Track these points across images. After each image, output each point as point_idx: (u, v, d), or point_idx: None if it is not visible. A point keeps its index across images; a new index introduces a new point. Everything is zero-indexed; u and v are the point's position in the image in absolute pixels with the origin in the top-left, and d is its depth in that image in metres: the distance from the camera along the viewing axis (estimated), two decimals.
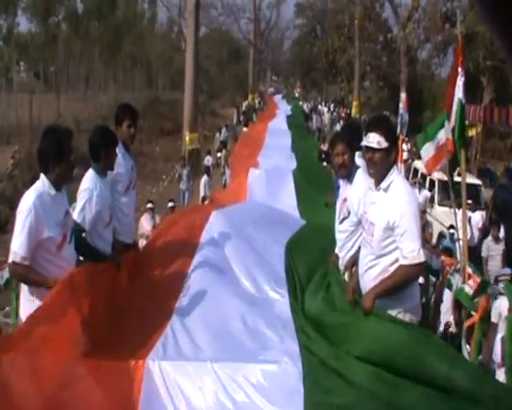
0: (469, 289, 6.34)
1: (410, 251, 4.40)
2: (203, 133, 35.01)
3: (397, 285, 4.51)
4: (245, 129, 27.81)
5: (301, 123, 27.00)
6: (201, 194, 19.99)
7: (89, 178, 5.56)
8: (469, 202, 9.58)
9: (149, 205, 14.61)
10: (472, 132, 22.37)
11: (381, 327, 4.41)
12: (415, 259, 4.40)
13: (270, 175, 11.36)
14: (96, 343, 4.53)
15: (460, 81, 6.26)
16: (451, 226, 11.73)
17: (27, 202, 4.61)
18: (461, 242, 7.37)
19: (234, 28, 71.17)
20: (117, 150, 5.82)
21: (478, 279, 6.39)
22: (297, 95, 62.08)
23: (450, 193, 7.90)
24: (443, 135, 6.12)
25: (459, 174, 7.61)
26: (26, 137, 30.53)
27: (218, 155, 27.16)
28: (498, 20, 1.05)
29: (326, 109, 48.24)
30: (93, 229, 5.48)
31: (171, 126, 43.38)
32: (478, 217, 14.28)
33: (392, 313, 4.51)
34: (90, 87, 57.23)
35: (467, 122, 8.43)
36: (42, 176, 4.79)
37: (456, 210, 10.26)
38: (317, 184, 10.88)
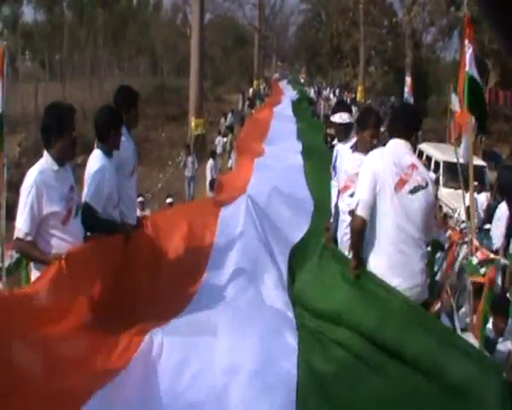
0: (477, 261, 6.48)
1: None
2: (208, 119, 35.05)
3: (352, 238, 4.92)
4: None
5: (306, 108, 26.98)
6: (208, 178, 20.12)
7: (98, 160, 5.49)
8: (475, 183, 9.65)
9: (140, 199, 14.71)
10: None
11: (374, 298, 4.58)
12: (356, 210, 4.76)
13: (277, 160, 11.50)
14: (99, 316, 4.58)
15: (467, 54, 6.33)
16: None
17: (29, 178, 4.66)
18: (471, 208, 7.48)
19: (238, 14, 70.95)
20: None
21: (485, 252, 6.55)
22: (302, 80, 61.91)
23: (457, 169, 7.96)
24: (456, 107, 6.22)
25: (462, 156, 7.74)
26: (33, 126, 30.67)
27: (224, 139, 27.21)
28: (498, 16, 1.06)
29: (332, 95, 48.15)
30: (104, 210, 5.44)
31: (176, 112, 43.41)
32: (483, 198, 14.29)
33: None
34: (95, 75, 57.26)
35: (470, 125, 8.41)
36: (45, 152, 4.83)
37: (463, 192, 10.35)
38: (325, 167, 10.97)
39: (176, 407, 3.87)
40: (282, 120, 18.97)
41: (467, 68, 6.19)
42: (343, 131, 7.03)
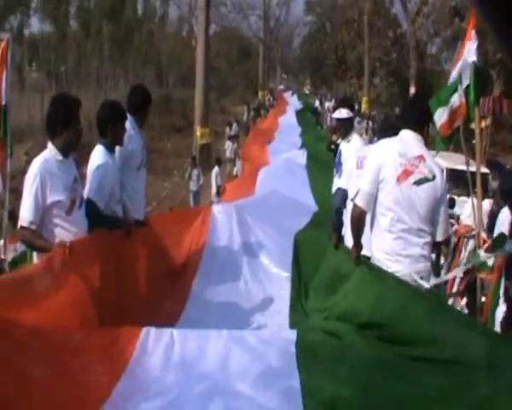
0: (484, 254, 6.56)
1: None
2: (214, 129, 35.21)
3: (351, 227, 4.98)
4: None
5: (310, 117, 27.15)
6: (213, 185, 20.27)
7: (100, 155, 5.53)
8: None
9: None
10: (483, 124, 22.47)
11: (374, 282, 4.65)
12: (355, 199, 4.89)
13: (281, 168, 11.60)
14: (99, 309, 4.52)
15: (473, 45, 6.42)
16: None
17: (34, 167, 4.67)
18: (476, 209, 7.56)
19: (244, 25, 71.35)
20: (127, 126, 5.83)
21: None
22: (307, 92, 62.14)
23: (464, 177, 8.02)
24: (456, 99, 6.25)
25: (468, 163, 7.86)
26: (39, 136, 30.79)
27: (225, 146, 27.42)
28: (497, 20, 1.06)
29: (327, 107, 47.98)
30: (106, 206, 5.44)
31: (182, 123, 43.69)
32: (486, 205, 14.33)
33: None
34: (100, 86, 57.46)
35: (477, 112, 8.55)
36: (49, 143, 4.84)
37: (466, 198, 10.41)
38: (329, 175, 11.06)
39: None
40: (287, 129, 19.13)
41: (474, 59, 6.26)
42: (343, 127, 7.12)
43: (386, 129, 6.00)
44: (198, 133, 29.41)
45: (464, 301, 8.24)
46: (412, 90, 20.52)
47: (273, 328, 5.51)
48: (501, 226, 9.18)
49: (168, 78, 74.97)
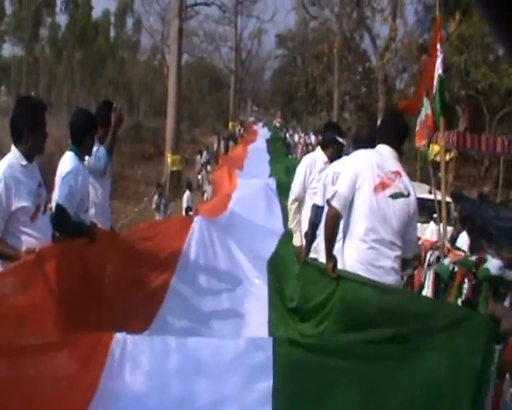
0: (449, 262, 6.84)
1: None
2: (184, 156, 35.42)
3: (325, 229, 5.03)
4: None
5: (280, 147, 27.42)
6: (184, 206, 20.35)
7: (71, 161, 5.37)
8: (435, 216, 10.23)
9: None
10: (447, 157, 23.05)
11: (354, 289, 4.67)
12: (331, 200, 4.96)
13: (252, 193, 11.77)
14: (66, 317, 4.41)
15: (439, 58, 6.65)
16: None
17: None
18: (441, 225, 7.85)
19: (215, 56, 71.86)
20: None
21: (457, 253, 6.94)
22: (278, 125, 62.58)
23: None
24: (422, 112, 6.39)
25: (430, 192, 8.24)
26: None
27: (199, 176, 27.58)
28: (496, 16, 1.06)
29: (312, 139, 48.12)
30: (75, 213, 5.29)
31: (152, 151, 43.70)
32: (448, 231, 14.85)
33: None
34: (71, 112, 57.26)
35: (443, 144, 8.87)
36: (12, 147, 4.66)
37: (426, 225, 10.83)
38: None
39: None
40: (256, 156, 19.33)
41: (440, 72, 6.44)
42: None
43: (357, 141, 6.16)
44: (169, 160, 29.59)
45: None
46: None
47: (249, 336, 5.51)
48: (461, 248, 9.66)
49: (139, 106, 75.07)
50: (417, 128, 6.47)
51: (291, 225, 6.79)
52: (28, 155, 4.69)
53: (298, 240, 6.57)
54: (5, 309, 3.87)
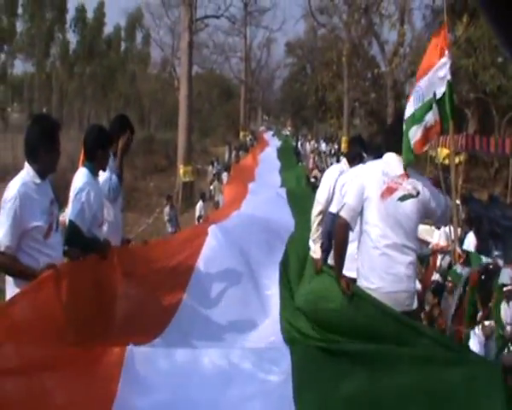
0: (461, 268, 6.92)
1: None
2: (196, 167, 35.62)
3: (335, 241, 5.17)
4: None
5: (291, 155, 27.59)
6: (197, 215, 20.63)
7: (84, 177, 5.40)
8: None
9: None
10: (457, 160, 23.04)
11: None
12: (340, 211, 5.06)
13: (261, 199, 11.89)
14: (81, 333, 4.43)
15: (447, 63, 6.67)
16: None
17: (12, 190, 4.49)
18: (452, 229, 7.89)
19: (225, 67, 71.99)
20: None
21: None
22: (288, 133, 62.68)
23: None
24: (431, 117, 6.40)
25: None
26: None
27: (211, 187, 27.75)
28: (497, 14, 1.09)
29: (323, 147, 48.19)
30: (88, 229, 5.32)
31: (164, 163, 43.95)
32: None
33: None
34: (83, 127, 57.66)
35: (452, 149, 8.92)
36: (26, 165, 4.67)
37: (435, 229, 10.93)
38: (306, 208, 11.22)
39: None
40: (267, 165, 19.51)
41: (448, 77, 6.44)
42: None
43: (372, 149, 6.30)
44: (181, 171, 29.79)
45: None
46: None
47: (264, 344, 5.54)
48: (468, 249, 9.72)
49: (150, 119, 75.37)
50: (419, 135, 6.46)
51: (313, 236, 6.48)
52: (42, 174, 4.72)
53: (317, 252, 6.29)
54: (23, 324, 3.97)
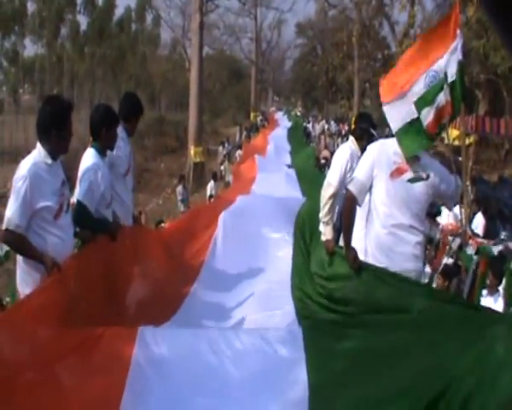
0: (471, 250, 7.00)
1: None
2: (207, 147, 35.76)
3: (343, 215, 5.25)
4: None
5: (301, 135, 27.68)
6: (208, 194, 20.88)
7: (91, 158, 5.43)
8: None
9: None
10: (467, 141, 23.02)
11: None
12: (349, 185, 5.15)
13: (271, 177, 12.04)
14: (93, 318, 4.53)
15: (459, 44, 6.72)
16: None
17: (23, 169, 4.49)
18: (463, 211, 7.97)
19: (236, 48, 71.87)
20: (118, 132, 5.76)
21: (479, 240, 7.11)
22: (298, 114, 62.59)
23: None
24: (442, 97, 6.45)
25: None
26: None
27: (221, 167, 27.91)
28: (498, 11, 1.07)
29: (319, 130, 47.88)
30: (96, 209, 5.36)
31: (174, 144, 44.18)
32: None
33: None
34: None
35: (463, 129, 8.97)
36: (38, 145, 4.68)
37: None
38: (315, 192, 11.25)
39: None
40: (278, 144, 19.66)
41: (460, 58, 6.49)
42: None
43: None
44: (192, 152, 29.96)
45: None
46: None
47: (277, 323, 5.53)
48: (476, 229, 9.80)
49: (161, 100, 75.43)
50: (432, 116, 6.45)
51: (324, 218, 5.87)
52: (54, 154, 4.72)
53: (329, 234, 5.79)
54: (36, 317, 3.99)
